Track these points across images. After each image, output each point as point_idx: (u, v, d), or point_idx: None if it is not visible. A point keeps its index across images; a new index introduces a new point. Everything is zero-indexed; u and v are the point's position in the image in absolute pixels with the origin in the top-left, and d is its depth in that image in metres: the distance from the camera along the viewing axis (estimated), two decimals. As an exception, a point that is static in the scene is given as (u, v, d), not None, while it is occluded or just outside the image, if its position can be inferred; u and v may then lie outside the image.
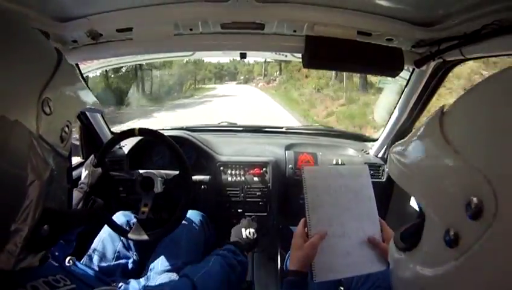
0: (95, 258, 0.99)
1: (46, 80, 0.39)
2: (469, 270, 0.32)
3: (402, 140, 0.46)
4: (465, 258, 0.31)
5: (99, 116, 1.34)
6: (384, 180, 1.42)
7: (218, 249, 0.93)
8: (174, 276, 0.92)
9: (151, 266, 1.00)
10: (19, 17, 0.40)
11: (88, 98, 0.52)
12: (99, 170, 0.94)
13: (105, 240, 1.03)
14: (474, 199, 0.30)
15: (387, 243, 0.72)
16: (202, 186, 1.35)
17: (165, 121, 7.56)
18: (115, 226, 1.02)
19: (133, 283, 0.88)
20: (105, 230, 1.05)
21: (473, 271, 0.31)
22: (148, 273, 0.98)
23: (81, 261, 0.96)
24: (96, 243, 1.03)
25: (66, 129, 0.42)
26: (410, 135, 0.44)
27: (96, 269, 0.96)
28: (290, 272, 0.71)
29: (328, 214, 0.76)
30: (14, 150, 0.34)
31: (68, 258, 0.64)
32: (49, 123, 0.38)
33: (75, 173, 1.26)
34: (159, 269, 0.98)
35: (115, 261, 1.02)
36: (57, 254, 0.52)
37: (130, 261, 1.05)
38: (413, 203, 1.23)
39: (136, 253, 1.08)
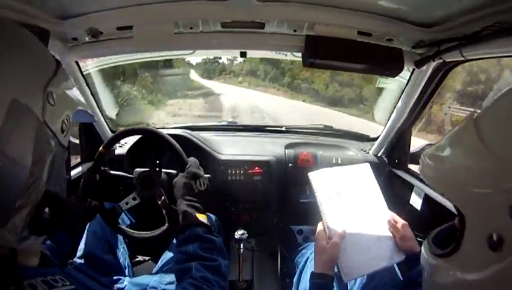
0: (88, 251, 0.98)
1: (50, 77, 0.45)
2: None
3: (434, 145, 0.46)
4: (511, 260, 0.32)
5: (99, 114, 1.34)
6: (384, 179, 1.42)
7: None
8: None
9: (158, 264, 1.03)
10: (23, 29, 0.46)
11: (81, 99, 0.57)
12: (95, 177, 0.94)
13: (96, 234, 1.03)
14: None
15: (402, 230, 0.78)
16: None
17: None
18: (115, 226, 1.02)
19: (138, 279, 0.89)
20: (96, 224, 1.05)
21: None
22: (156, 271, 1.00)
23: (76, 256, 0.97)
24: (88, 237, 1.02)
25: (66, 122, 0.48)
26: (443, 140, 0.45)
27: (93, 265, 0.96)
28: (316, 275, 0.72)
29: (343, 214, 0.79)
30: (24, 130, 0.39)
31: (69, 261, 0.66)
32: (52, 113, 0.44)
33: (73, 173, 1.26)
34: (164, 268, 0.99)
35: (108, 255, 1.02)
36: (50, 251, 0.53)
37: (125, 255, 1.06)
38: (413, 201, 1.24)
39: (125, 248, 1.08)
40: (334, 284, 0.77)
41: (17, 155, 0.38)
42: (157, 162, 1.03)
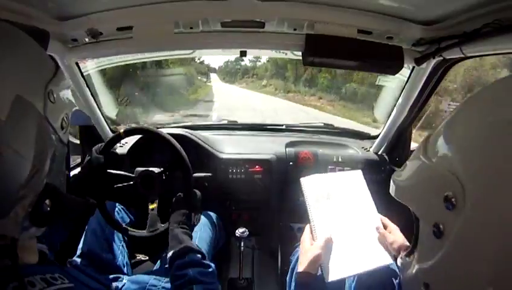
0: (88, 250, 0.99)
1: (50, 77, 0.48)
2: (456, 252, 0.39)
3: (400, 169, 0.57)
4: (450, 241, 0.40)
5: (99, 114, 1.34)
6: (384, 177, 1.42)
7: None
8: None
9: (158, 262, 1.04)
10: (23, 33, 0.48)
11: (73, 101, 0.60)
12: (102, 158, 0.96)
13: (95, 232, 1.04)
14: (450, 193, 0.39)
15: (392, 234, 0.79)
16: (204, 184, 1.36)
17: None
18: (113, 222, 1.03)
19: (138, 277, 0.90)
20: (95, 223, 1.05)
21: (458, 251, 0.39)
22: (155, 270, 1.00)
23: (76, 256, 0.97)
24: (87, 235, 1.03)
25: (65, 120, 0.51)
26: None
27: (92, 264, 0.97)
28: (300, 274, 0.73)
29: (331, 218, 0.81)
30: (27, 124, 0.42)
31: (68, 260, 0.66)
32: (53, 110, 0.47)
33: (73, 173, 1.27)
34: (164, 267, 1.00)
35: (107, 254, 1.03)
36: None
37: (124, 254, 1.07)
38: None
39: (124, 246, 1.09)
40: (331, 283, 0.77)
41: (20, 147, 0.40)
42: (161, 165, 1.04)
